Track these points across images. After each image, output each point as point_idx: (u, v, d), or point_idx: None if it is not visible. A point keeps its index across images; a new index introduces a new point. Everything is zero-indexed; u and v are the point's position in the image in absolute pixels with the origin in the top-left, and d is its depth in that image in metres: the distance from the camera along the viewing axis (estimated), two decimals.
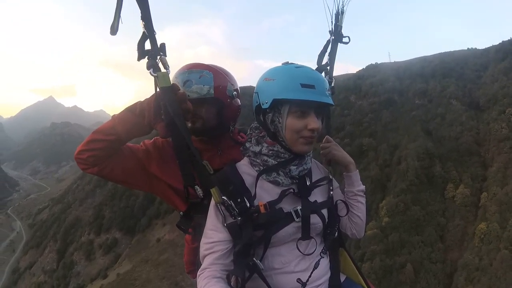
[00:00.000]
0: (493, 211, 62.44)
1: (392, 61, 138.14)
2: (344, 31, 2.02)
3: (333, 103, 1.46)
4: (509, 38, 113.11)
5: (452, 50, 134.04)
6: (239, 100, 1.89)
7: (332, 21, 2.00)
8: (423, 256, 57.79)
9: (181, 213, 1.81)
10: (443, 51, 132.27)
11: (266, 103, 1.45)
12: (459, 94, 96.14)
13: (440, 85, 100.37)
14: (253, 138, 1.58)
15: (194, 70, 1.73)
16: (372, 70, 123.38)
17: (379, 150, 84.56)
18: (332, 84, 1.97)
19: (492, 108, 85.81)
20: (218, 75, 1.76)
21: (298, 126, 1.42)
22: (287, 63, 1.54)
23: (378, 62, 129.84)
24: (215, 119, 1.78)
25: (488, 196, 66.21)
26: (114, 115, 1.55)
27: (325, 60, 2.04)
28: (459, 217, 66.08)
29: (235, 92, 1.82)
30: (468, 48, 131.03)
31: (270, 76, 1.48)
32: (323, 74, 1.95)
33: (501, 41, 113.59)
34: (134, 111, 1.50)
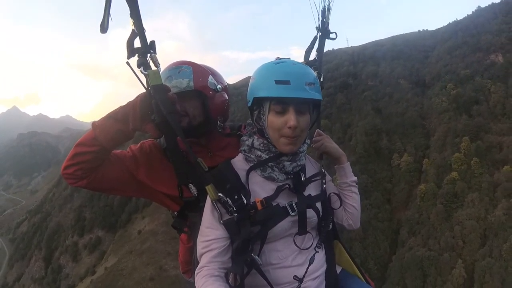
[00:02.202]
0: (431, 174, 74.06)
1: (349, 46, 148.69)
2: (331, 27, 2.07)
3: (314, 97, 1.44)
4: (455, 20, 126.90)
5: (403, 33, 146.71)
6: (225, 94, 1.89)
7: (318, 18, 2.05)
8: (370, 216, 68.37)
9: (175, 213, 1.85)
10: (395, 34, 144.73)
11: (249, 101, 1.51)
12: (406, 73, 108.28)
13: (390, 67, 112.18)
14: (248, 133, 1.62)
15: (174, 67, 1.74)
16: (329, 56, 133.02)
17: (334, 130, 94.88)
18: (321, 79, 1.99)
19: (436, 85, 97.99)
20: (197, 69, 1.77)
21: (278, 123, 1.42)
22: (277, 58, 1.56)
23: (335, 48, 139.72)
24: (201, 114, 1.78)
25: (429, 162, 77.73)
26: (94, 123, 1.52)
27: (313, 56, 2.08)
28: (404, 181, 77.44)
29: (219, 86, 1.82)
30: (418, 30, 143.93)
31: (254, 75, 1.51)
32: (313, 69, 1.84)
33: (448, 23, 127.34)
34: (116, 117, 1.48)
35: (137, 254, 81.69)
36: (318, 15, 2.05)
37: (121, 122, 1.47)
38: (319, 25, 2.05)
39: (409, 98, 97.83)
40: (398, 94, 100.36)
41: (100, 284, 77.75)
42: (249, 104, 1.53)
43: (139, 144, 1.83)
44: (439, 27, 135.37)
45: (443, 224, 62.96)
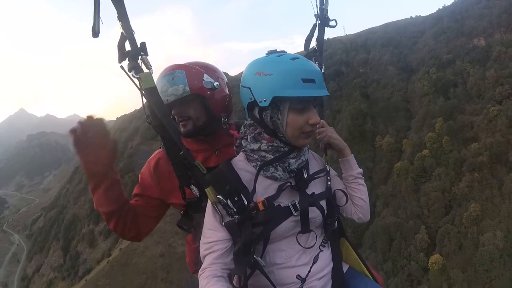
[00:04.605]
0: (408, 152, 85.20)
1: (345, 34, 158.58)
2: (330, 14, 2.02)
3: (328, 94, 1.47)
4: (443, 6, 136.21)
5: (398, 19, 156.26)
6: (225, 90, 1.92)
7: (317, 5, 2.00)
8: None
9: (181, 212, 1.94)
10: (390, 20, 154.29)
11: (265, 100, 1.42)
12: (394, 60, 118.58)
13: (379, 54, 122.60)
14: (248, 136, 1.57)
15: (167, 73, 1.77)
16: (323, 45, 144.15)
17: (324, 117, 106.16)
18: (323, 71, 1.94)
19: (421, 70, 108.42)
20: (190, 71, 1.78)
21: (300, 122, 1.42)
22: (274, 51, 1.53)
23: (331, 37, 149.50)
24: (204, 115, 1.82)
25: (408, 142, 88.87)
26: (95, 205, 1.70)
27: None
28: (385, 160, 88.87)
29: (216, 83, 1.83)
30: (411, 17, 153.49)
31: (265, 70, 1.42)
32: (313, 59, 1.97)
33: (437, 9, 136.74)
34: (92, 189, 1.62)
35: (149, 235, 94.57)
36: (316, 2, 2.02)
37: (95, 186, 1.61)
38: (317, 12, 2.02)
39: (395, 83, 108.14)
40: (385, 80, 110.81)
41: (116, 263, 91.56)
42: (265, 104, 1.42)
43: (145, 165, 1.95)
44: (431, 12, 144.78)
45: (412, 195, 74.31)
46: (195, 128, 1.83)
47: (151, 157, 1.95)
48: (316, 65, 1.50)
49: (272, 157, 1.51)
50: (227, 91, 1.94)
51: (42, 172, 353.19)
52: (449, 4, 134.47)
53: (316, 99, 1.51)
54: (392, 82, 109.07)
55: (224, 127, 1.94)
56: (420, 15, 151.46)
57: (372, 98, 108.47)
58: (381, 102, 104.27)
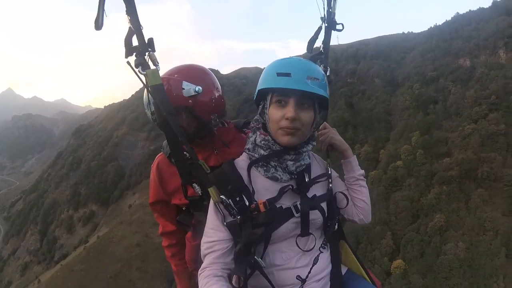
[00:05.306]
0: (383, 162, 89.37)
1: (337, 43, 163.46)
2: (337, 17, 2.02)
3: (316, 92, 1.43)
4: (435, 24, 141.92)
5: (392, 33, 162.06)
6: (213, 91, 1.89)
7: (324, 7, 1.99)
8: None
9: (183, 208, 1.99)
10: (382, 34, 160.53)
11: (255, 95, 1.56)
12: (381, 73, 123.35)
13: (368, 66, 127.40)
14: (253, 129, 1.64)
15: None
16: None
17: (327, 119, 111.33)
18: (328, 73, 2.00)
19: (405, 84, 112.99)
20: (168, 84, 1.76)
21: (277, 115, 1.45)
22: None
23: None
24: (193, 121, 1.83)
25: (384, 152, 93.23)
26: None
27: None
28: (361, 168, 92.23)
29: (198, 87, 1.79)
30: (403, 32, 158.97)
31: (262, 72, 1.55)
32: (318, 62, 1.99)
33: (429, 27, 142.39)
34: None
35: (127, 224, 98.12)
36: (324, 5, 2.01)
37: None
38: (324, 15, 2.01)
39: (379, 95, 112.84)
40: (370, 91, 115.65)
41: (92, 250, 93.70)
42: (254, 98, 1.57)
43: (151, 171, 2.04)
44: (423, 30, 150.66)
45: (382, 203, 78.00)
46: (187, 135, 1.83)
47: (152, 166, 2.07)
48: (305, 65, 1.48)
49: (266, 153, 1.55)
50: (215, 92, 1.92)
51: (25, 154, 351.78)
52: (440, 23, 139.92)
53: (308, 98, 1.47)
54: (377, 94, 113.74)
55: (220, 126, 2.00)
56: (412, 32, 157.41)
57: (356, 108, 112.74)
58: (364, 112, 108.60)
